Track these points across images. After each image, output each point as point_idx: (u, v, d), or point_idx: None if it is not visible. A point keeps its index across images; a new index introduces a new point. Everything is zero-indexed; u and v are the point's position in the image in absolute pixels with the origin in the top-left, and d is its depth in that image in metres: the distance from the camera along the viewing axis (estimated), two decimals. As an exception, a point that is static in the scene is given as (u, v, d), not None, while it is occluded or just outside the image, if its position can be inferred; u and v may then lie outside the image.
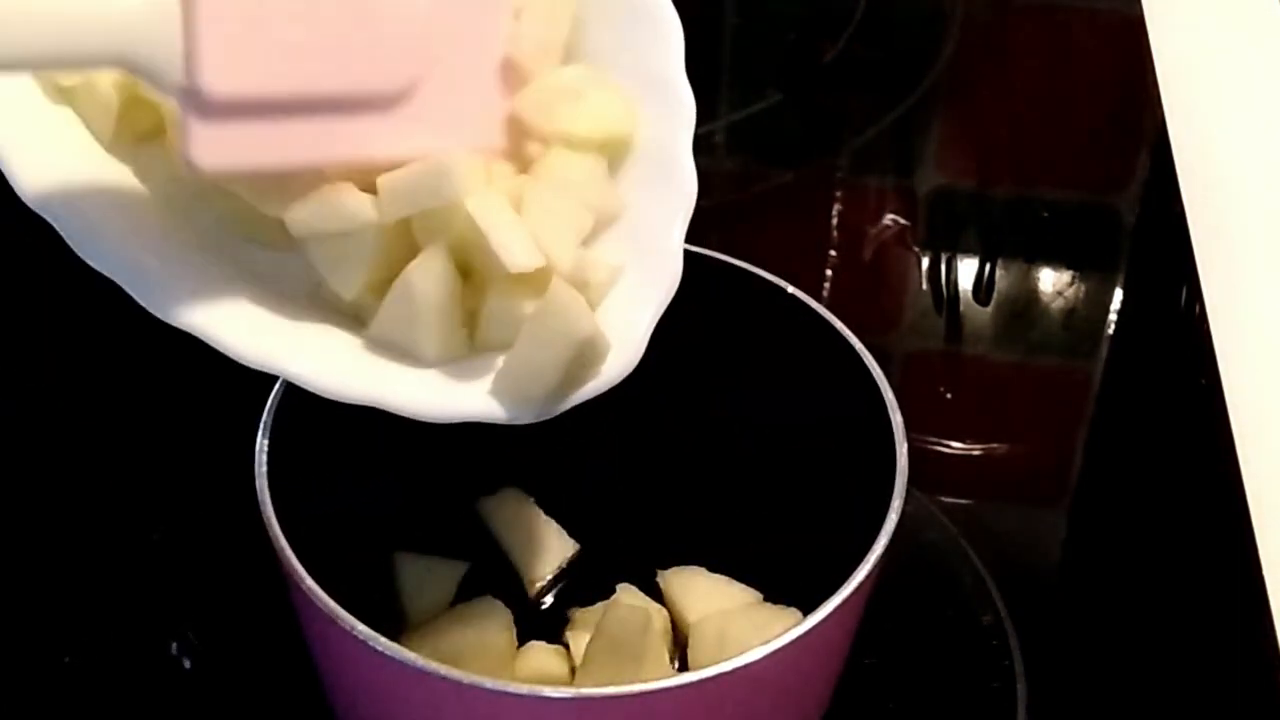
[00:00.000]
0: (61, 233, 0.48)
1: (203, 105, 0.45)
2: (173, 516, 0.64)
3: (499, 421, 0.50)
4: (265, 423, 0.52)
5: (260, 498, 0.50)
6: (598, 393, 0.49)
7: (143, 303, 0.49)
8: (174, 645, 0.61)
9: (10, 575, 0.63)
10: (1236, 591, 0.62)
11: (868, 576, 0.49)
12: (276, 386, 0.53)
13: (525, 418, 0.50)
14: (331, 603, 0.47)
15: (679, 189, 0.51)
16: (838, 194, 0.86)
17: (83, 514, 0.65)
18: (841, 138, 0.89)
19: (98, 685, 0.59)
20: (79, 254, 0.48)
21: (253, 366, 0.49)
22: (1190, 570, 0.65)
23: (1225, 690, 0.60)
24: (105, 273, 0.48)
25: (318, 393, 0.49)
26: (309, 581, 0.48)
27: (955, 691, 0.61)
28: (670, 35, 0.52)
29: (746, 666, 0.46)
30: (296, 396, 0.52)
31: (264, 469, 0.51)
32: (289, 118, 0.47)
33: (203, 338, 0.49)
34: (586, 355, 0.49)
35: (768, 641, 0.46)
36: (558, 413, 0.49)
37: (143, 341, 0.70)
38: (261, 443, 0.52)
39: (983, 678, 0.61)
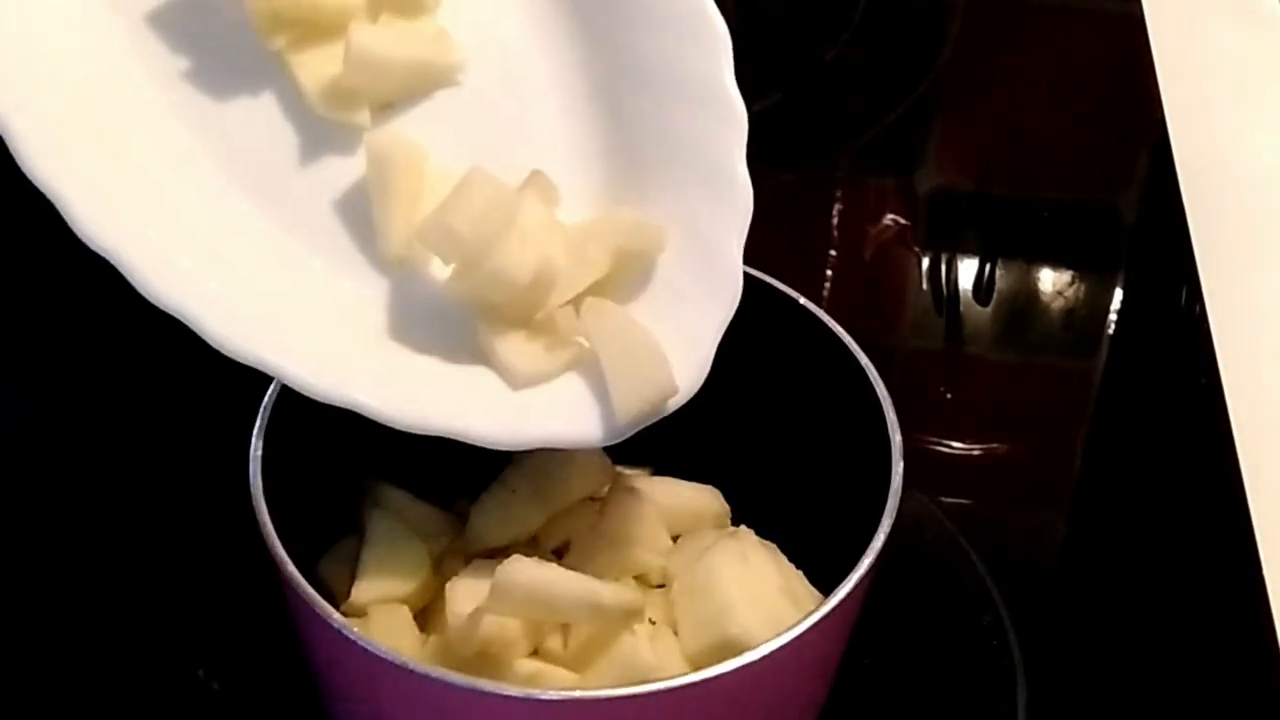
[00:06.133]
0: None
1: None
2: (173, 528, 0.64)
3: (573, 445, 0.51)
4: (259, 428, 0.52)
5: (255, 504, 0.50)
6: (668, 413, 0.51)
7: (206, 337, 0.49)
8: (177, 653, 0.61)
9: (13, 589, 0.63)
10: (1236, 591, 0.62)
11: (863, 578, 0.49)
12: (270, 389, 0.53)
13: (600, 441, 0.51)
14: (327, 606, 0.47)
15: (735, 203, 0.51)
16: (838, 194, 0.86)
17: (86, 529, 0.65)
18: (841, 138, 0.89)
19: (103, 700, 0.60)
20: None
21: (316, 397, 0.50)
22: (1190, 570, 0.64)
23: (1225, 690, 0.60)
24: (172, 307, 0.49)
25: (388, 424, 0.50)
26: (304, 585, 0.48)
27: (955, 691, 0.61)
28: (719, 46, 0.52)
29: (743, 667, 0.46)
30: (290, 402, 0.52)
31: (258, 477, 0.51)
32: None
33: (265, 369, 0.50)
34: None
35: (765, 642, 0.47)
36: (629, 434, 0.51)
37: (139, 348, 0.70)
38: (255, 443, 0.52)
39: (983, 678, 0.61)
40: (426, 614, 0.55)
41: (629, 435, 0.51)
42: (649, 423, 0.50)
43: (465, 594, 0.52)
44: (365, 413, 0.50)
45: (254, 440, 0.52)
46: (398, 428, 0.50)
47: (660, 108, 0.52)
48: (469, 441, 0.50)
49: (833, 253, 0.83)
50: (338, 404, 0.50)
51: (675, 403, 0.51)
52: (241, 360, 0.49)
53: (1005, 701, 0.60)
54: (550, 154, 0.54)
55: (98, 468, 0.67)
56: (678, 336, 0.51)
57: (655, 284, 0.52)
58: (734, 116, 0.51)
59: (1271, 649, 0.58)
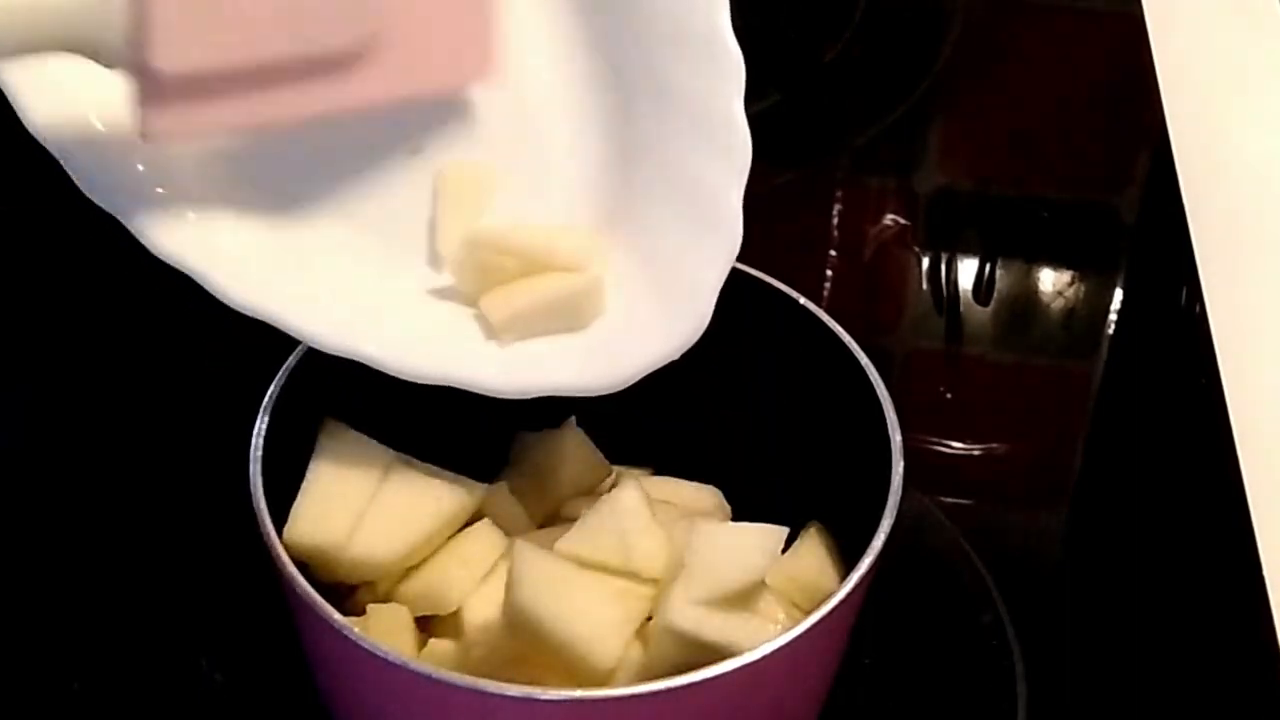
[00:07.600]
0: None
1: (156, 81, 0.45)
2: (173, 527, 0.64)
3: (580, 394, 0.51)
4: (259, 428, 0.52)
5: (255, 504, 0.50)
6: (671, 358, 0.51)
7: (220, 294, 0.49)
8: (178, 654, 0.61)
9: (15, 587, 0.63)
10: (1236, 591, 0.62)
11: (862, 579, 0.49)
12: (272, 388, 0.53)
13: (606, 389, 0.51)
14: (327, 606, 0.47)
15: (733, 149, 0.51)
16: (838, 194, 0.86)
17: (86, 529, 0.65)
18: (841, 138, 0.89)
19: (105, 698, 0.60)
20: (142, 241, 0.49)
21: (326, 350, 0.50)
22: (1190, 570, 0.64)
23: (1225, 690, 0.60)
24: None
25: (394, 374, 0.51)
26: (304, 584, 0.48)
27: (955, 691, 0.61)
28: None
29: (743, 667, 0.46)
30: (291, 401, 0.52)
31: (258, 477, 0.51)
32: (247, 83, 0.47)
33: (281, 326, 0.50)
34: None
35: (763, 643, 0.47)
36: (632, 382, 0.51)
37: (139, 346, 0.70)
38: (256, 443, 0.52)
39: (983, 678, 0.61)
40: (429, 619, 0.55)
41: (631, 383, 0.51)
42: (652, 369, 0.51)
43: (481, 605, 0.52)
44: (370, 362, 0.51)
45: (254, 440, 0.52)
46: (404, 377, 0.51)
47: (657, 57, 0.52)
48: (474, 390, 0.51)
49: (833, 253, 0.83)
50: (346, 355, 0.51)
51: (675, 352, 0.51)
52: (249, 313, 0.50)
53: (1005, 701, 0.60)
54: (546, 104, 0.54)
55: (98, 467, 0.67)
56: (677, 286, 0.51)
57: (653, 233, 0.52)
58: (731, 64, 0.51)
59: (1271, 649, 0.58)
